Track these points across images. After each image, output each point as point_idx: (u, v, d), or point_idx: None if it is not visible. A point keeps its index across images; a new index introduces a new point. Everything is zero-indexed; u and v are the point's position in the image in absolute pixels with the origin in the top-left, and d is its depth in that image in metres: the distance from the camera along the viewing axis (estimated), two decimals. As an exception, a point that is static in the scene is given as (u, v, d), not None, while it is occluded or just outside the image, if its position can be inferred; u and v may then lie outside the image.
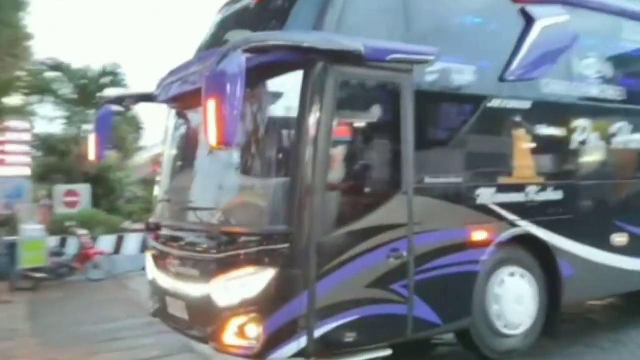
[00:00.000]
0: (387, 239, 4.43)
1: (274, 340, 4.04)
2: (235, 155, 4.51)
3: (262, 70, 4.04)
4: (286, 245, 4.05)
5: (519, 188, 5.28)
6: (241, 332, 4.15)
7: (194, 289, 4.48)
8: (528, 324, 5.21)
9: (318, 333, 4.13)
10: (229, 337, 4.19)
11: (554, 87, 5.54)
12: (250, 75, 3.69)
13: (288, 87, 4.23)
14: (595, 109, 5.92)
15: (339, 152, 4.40)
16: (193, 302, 4.52)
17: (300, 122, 4.10)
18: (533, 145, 5.43)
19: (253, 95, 4.20)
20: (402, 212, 4.51)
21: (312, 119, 4.10)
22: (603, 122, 5.96)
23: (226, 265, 4.20)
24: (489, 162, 5.19)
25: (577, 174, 5.74)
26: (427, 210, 4.68)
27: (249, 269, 4.10)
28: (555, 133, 5.65)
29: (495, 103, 5.13)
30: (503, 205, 5.12)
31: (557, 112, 5.63)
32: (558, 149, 5.66)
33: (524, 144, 5.39)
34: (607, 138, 5.96)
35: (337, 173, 4.36)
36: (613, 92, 6.04)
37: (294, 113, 4.14)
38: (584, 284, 5.53)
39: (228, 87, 3.53)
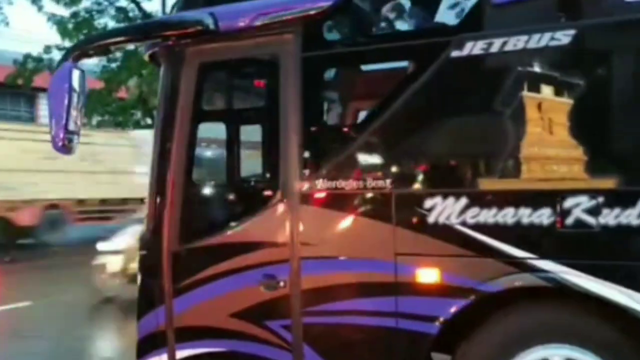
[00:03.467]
0: (258, 261, 3.38)
1: (142, 348, 3.79)
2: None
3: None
4: (144, 251, 3.76)
5: (537, 199, 2.78)
6: None
7: None
8: None
9: (180, 355, 3.64)
10: None
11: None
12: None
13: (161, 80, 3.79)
14: None
15: (205, 149, 3.60)
16: None
17: (157, 118, 3.68)
18: (576, 113, 2.71)
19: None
20: (281, 227, 3.30)
21: (165, 113, 3.60)
22: None
23: None
24: (454, 155, 2.96)
25: None
26: (324, 227, 3.24)
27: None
28: None
29: (468, 48, 2.85)
30: (491, 229, 2.85)
31: None
32: None
33: (549, 113, 2.75)
34: None
35: (201, 174, 3.61)
36: None
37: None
38: None
39: (55, 95, 3.68)
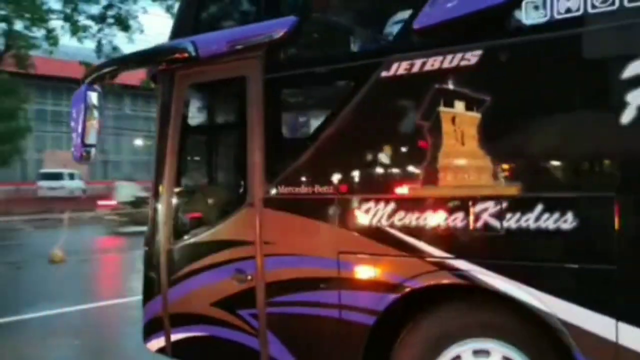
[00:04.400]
0: (231, 257, 3.86)
1: (146, 331, 4.39)
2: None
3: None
4: (146, 248, 4.34)
5: (452, 204, 3.06)
6: None
7: None
8: None
9: (174, 338, 4.20)
10: None
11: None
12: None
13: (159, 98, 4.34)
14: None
15: (191, 159, 4.12)
16: None
17: (156, 132, 4.24)
18: (483, 126, 2.97)
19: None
20: (249, 228, 3.76)
21: (161, 128, 4.17)
22: None
23: None
24: (386, 163, 3.28)
25: (616, 178, 2.73)
26: (283, 227, 3.67)
27: None
28: (543, 97, 2.92)
29: (394, 69, 3.17)
30: (415, 231, 3.16)
31: (551, 51, 2.88)
32: (552, 128, 2.91)
33: (461, 126, 3.01)
34: None
35: (188, 181, 4.13)
36: None
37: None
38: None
39: (73, 114, 4.34)
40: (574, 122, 2.85)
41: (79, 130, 4.24)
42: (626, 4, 2.65)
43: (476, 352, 3.11)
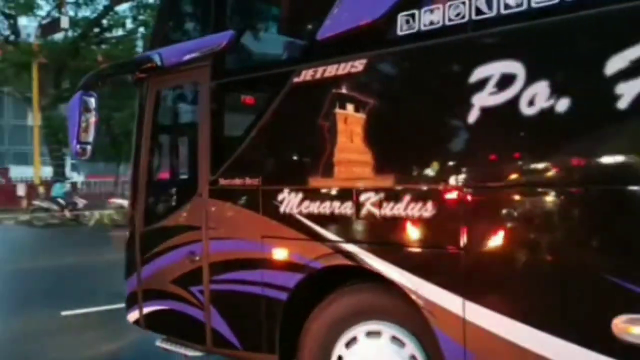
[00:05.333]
0: (186, 240, 4.43)
1: (127, 303, 5.03)
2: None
3: None
4: (128, 231, 4.98)
5: (342, 194, 3.46)
6: None
7: None
8: None
9: (145, 310, 4.81)
10: None
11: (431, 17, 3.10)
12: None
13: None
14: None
15: (159, 155, 4.71)
16: None
17: (134, 131, 4.89)
18: (367, 125, 3.38)
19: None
20: (198, 214, 4.31)
21: (137, 127, 4.81)
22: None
23: None
24: (295, 158, 3.74)
25: (481, 172, 3.04)
26: (222, 214, 4.20)
27: None
28: (422, 102, 3.30)
29: (303, 76, 3.61)
30: (316, 218, 3.59)
31: (438, 57, 3.20)
32: (417, 128, 3.31)
33: (351, 126, 3.41)
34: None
35: (156, 173, 4.73)
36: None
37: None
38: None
39: (69, 116, 5.05)
40: (434, 123, 3.19)
41: (75, 130, 4.95)
42: (473, 17, 2.99)
43: (369, 334, 3.48)
